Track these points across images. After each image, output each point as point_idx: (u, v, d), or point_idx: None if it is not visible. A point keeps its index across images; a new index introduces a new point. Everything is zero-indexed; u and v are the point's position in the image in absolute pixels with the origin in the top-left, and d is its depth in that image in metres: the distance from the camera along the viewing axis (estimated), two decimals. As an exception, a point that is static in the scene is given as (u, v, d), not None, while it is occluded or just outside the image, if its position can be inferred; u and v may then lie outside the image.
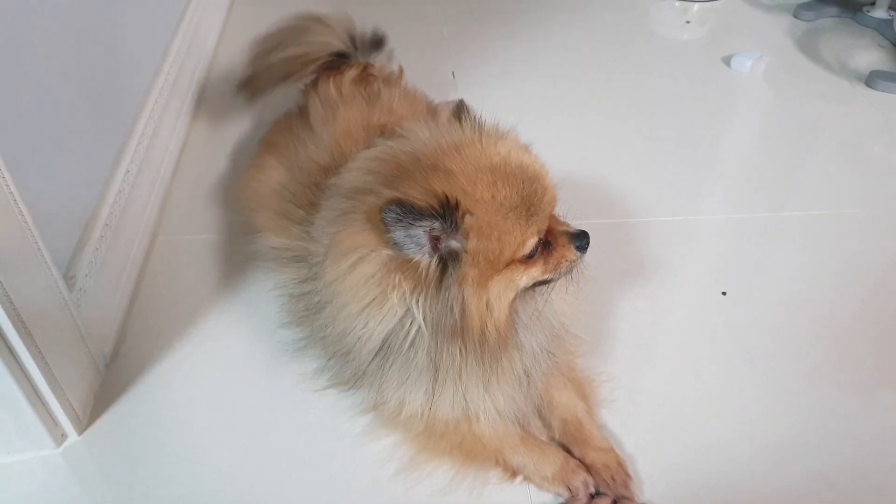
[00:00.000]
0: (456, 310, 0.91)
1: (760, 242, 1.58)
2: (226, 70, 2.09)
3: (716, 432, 1.17)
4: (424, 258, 0.90)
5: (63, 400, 1.09)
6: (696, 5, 2.61)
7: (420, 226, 0.87)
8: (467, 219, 0.89)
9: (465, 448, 1.09)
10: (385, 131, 1.23)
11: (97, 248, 1.25)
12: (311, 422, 1.17)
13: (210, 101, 1.96)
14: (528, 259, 0.95)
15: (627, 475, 1.07)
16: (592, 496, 1.05)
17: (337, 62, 1.58)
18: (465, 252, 0.90)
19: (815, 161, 1.85)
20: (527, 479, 1.08)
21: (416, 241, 0.88)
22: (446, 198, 0.87)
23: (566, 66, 2.21)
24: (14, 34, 1.07)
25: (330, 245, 0.97)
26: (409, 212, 0.85)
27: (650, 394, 1.22)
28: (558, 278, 1.01)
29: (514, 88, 2.08)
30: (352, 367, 1.07)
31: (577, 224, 1.05)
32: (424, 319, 0.92)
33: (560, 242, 0.99)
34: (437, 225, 0.88)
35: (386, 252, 0.90)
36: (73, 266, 1.19)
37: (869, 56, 2.27)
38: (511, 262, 0.93)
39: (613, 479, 1.06)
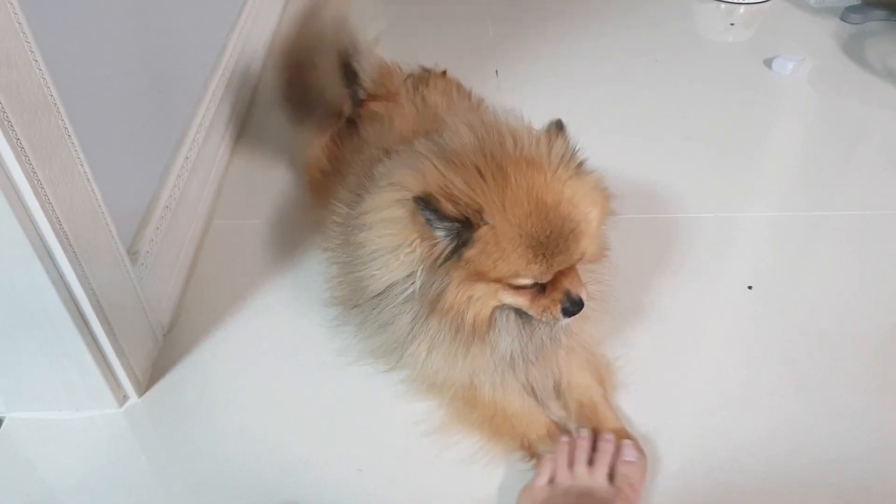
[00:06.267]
0: (438, 289, 0.98)
1: (793, 241, 1.61)
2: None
3: (730, 418, 1.21)
4: (442, 237, 0.95)
5: (126, 364, 1.19)
6: (742, 7, 2.62)
7: (440, 226, 0.94)
8: (481, 230, 0.94)
9: (496, 424, 1.14)
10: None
11: (158, 228, 1.35)
12: (348, 391, 1.25)
13: (264, 95, 2.06)
14: (519, 288, 0.99)
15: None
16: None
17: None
18: (463, 255, 0.95)
19: (854, 162, 1.86)
20: None
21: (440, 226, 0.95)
22: (470, 214, 0.93)
23: (610, 65, 2.26)
24: (91, 31, 1.17)
25: (381, 179, 1.06)
26: (434, 212, 0.92)
27: (667, 379, 1.27)
28: (539, 320, 1.03)
29: (557, 87, 2.13)
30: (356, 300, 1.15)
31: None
32: (420, 286, 0.99)
33: (554, 297, 0.99)
34: (455, 226, 0.94)
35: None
36: (136, 243, 1.29)
37: (915, 60, 2.26)
38: (501, 281, 0.98)
39: None
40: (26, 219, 0.94)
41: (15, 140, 0.88)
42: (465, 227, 0.94)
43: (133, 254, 1.26)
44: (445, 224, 0.94)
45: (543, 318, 1.02)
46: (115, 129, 1.26)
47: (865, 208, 1.68)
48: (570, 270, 1.00)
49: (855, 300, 1.44)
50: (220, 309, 1.40)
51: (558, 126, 1.02)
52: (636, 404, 1.22)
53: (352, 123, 1.50)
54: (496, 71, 2.17)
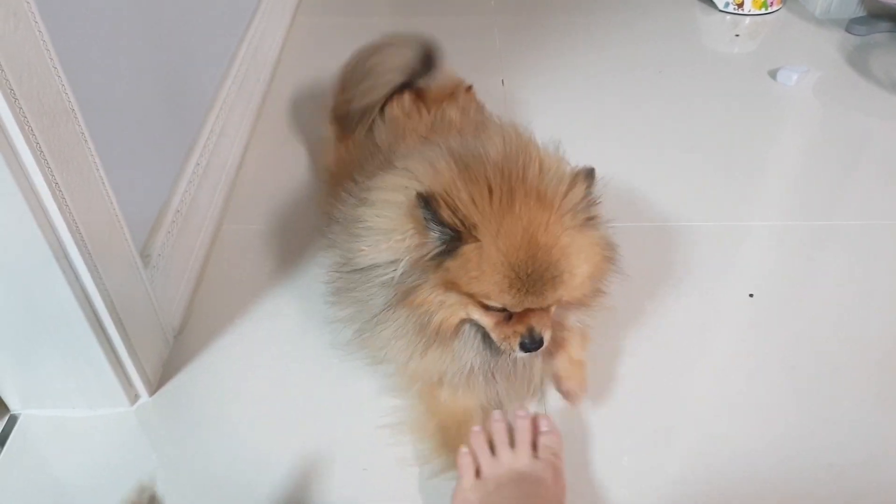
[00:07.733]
0: (414, 283, 0.99)
1: (795, 250, 1.62)
2: (288, 76, 2.23)
3: (731, 424, 1.23)
4: (433, 239, 0.96)
5: (138, 364, 1.22)
6: (748, 19, 2.65)
7: (434, 227, 0.95)
8: (468, 246, 0.95)
9: (448, 437, 1.13)
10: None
11: (169, 232, 1.38)
12: (355, 392, 1.27)
13: (273, 104, 2.10)
14: (488, 308, 1.00)
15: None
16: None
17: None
18: (444, 263, 0.96)
19: (857, 173, 1.88)
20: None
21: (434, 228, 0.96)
22: (464, 228, 0.94)
23: (615, 75, 2.28)
24: (107, 39, 1.21)
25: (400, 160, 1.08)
26: (432, 213, 0.94)
27: (668, 385, 1.29)
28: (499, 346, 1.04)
29: (562, 97, 2.15)
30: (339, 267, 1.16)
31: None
32: (400, 275, 1.00)
33: (517, 329, 1.00)
34: (447, 233, 0.95)
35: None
36: (148, 246, 1.32)
37: (920, 72, 2.28)
38: (473, 297, 0.98)
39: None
40: (45, 221, 0.97)
41: (35, 145, 0.91)
42: (455, 238, 0.95)
43: (145, 257, 1.29)
44: (439, 228, 0.95)
45: (502, 346, 1.03)
46: (129, 135, 1.29)
47: (868, 218, 1.69)
48: (539, 311, 1.01)
49: (856, 309, 1.46)
50: (229, 312, 1.43)
51: (588, 174, 1.00)
52: (637, 410, 1.24)
53: (369, 131, 1.52)
54: (502, 81, 2.20)
